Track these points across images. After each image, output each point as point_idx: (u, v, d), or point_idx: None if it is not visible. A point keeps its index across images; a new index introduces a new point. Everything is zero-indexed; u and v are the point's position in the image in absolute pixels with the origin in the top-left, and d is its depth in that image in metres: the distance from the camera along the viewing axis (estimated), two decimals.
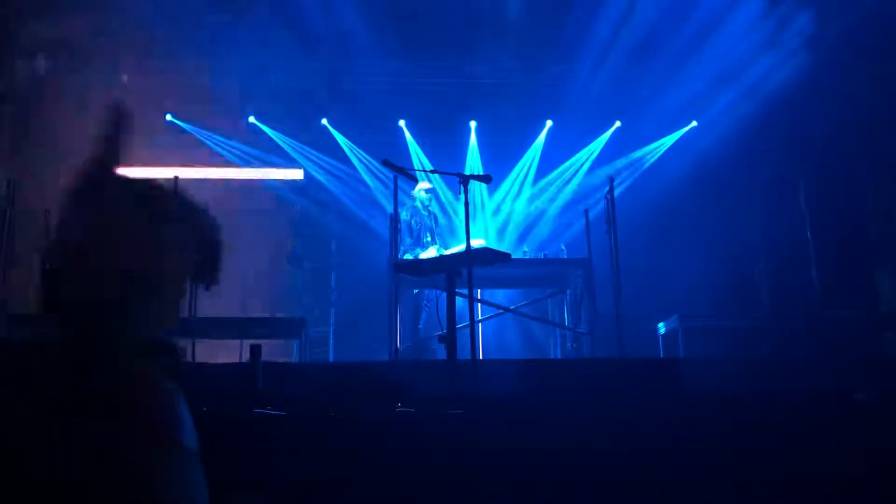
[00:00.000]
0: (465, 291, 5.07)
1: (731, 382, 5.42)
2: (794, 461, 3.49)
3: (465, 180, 4.94)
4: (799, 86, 8.66)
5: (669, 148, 10.40)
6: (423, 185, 8.05)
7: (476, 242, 7.15)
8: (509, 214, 10.59)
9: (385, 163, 5.16)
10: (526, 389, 4.78)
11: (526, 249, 8.52)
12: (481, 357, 8.43)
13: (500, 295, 8.82)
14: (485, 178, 5.34)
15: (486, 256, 5.01)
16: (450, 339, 4.73)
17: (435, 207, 8.30)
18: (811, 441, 3.62)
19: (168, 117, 9.74)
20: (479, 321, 8.01)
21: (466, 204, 4.97)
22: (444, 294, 4.94)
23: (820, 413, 3.88)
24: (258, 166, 10.15)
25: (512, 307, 8.27)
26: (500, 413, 4.15)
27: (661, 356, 7.58)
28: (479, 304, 7.76)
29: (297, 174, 10.26)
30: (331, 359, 9.08)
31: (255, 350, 4.27)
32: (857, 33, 7.98)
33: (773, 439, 3.63)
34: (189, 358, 6.85)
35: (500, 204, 10.66)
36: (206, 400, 4.24)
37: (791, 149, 8.91)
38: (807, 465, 3.46)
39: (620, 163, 10.48)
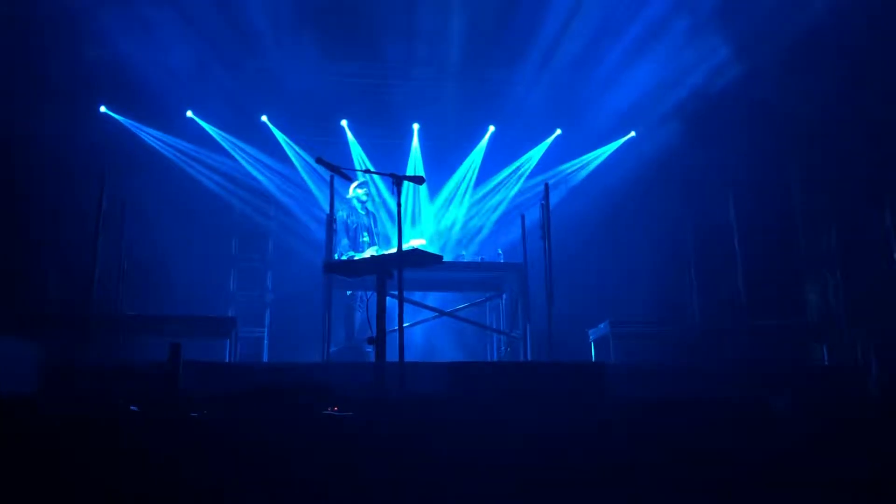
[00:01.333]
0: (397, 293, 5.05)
1: (656, 388, 5.53)
2: (707, 464, 3.57)
3: (398, 181, 4.92)
4: (731, 96, 8.90)
5: (608, 157, 10.58)
6: (355, 184, 8.01)
7: (416, 243, 7.16)
8: (451, 218, 10.61)
9: (319, 161, 5.10)
10: (454, 392, 4.78)
11: (464, 252, 8.55)
12: (415, 360, 8.47)
13: (438, 299, 8.82)
14: (417, 179, 5.34)
15: (417, 258, 5.01)
16: (379, 341, 4.70)
17: (371, 206, 8.26)
18: (723, 445, 3.71)
19: (102, 108, 9.47)
20: (413, 324, 8.00)
21: (399, 204, 4.95)
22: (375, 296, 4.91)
23: (734, 418, 3.98)
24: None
25: (448, 311, 8.28)
26: (425, 415, 4.15)
27: (593, 361, 7.67)
28: (415, 308, 7.76)
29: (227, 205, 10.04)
30: (264, 359, 8.95)
31: (174, 349, 4.16)
32: (786, 46, 8.22)
33: (688, 443, 3.71)
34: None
35: (441, 207, 10.68)
36: (124, 399, 4.14)
37: (721, 160, 9.14)
38: (719, 467, 3.55)
39: (559, 169, 10.60)
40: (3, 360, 4.23)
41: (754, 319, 8.15)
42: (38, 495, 3.20)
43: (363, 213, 7.91)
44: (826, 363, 7.51)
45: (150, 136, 9.74)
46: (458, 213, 10.62)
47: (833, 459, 3.74)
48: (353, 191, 7.89)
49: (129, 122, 9.63)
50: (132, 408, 3.96)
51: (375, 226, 8.17)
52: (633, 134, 10.41)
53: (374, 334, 4.76)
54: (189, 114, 9.84)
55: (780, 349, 7.63)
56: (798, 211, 8.79)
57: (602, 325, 7.54)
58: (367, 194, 8.05)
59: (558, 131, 10.55)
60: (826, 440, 3.93)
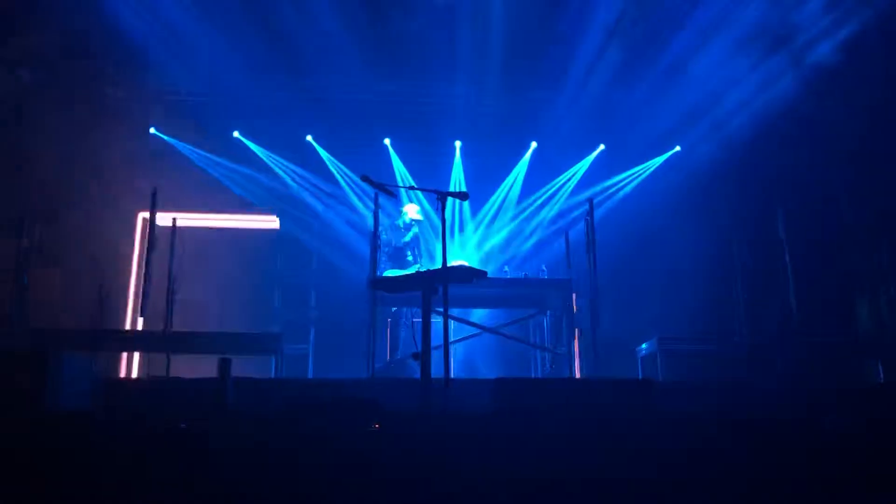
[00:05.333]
0: (442, 309, 5.05)
1: (706, 405, 5.42)
2: (759, 483, 3.48)
3: (442, 197, 4.93)
4: (782, 114, 8.76)
5: (652, 172, 10.48)
6: (412, 209, 8.10)
7: (457, 264, 7.17)
8: (493, 234, 10.60)
9: (364, 178, 5.14)
10: (499, 408, 4.75)
11: (507, 269, 8.52)
12: (462, 376, 8.44)
13: (480, 316, 8.80)
14: (462, 196, 5.35)
15: (462, 273, 4.99)
16: (424, 357, 4.70)
17: (417, 228, 8.33)
18: (776, 464, 3.62)
19: (152, 130, 9.72)
20: (458, 340, 8.00)
21: (443, 220, 4.96)
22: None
23: (786, 437, 3.88)
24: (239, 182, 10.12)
25: (493, 327, 8.25)
26: (471, 431, 4.12)
27: (640, 377, 7.57)
28: (458, 324, 7.75)
29: (272, 223, 10.23)
30: (309, 376, 9.01)
31: (224, 364, 4.21)
32: (838, 65, 8.09)
33: (739, 462, 3.63)
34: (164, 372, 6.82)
35: (483, 224, 10.68)
36: (177, 414, 4.21)
37: (772, 175, 8.99)
38: (771, 487, 3.46)
39: (604, 185, 10.53)
40: (56, 376, 4.33)
41: (806, 336, 7.95)
42: None
43: (407, 233, 8.00)
44: (882, 380, 7.28)
45: (198, 155, 9.95)
46: (500, 230, 10.61)
47: (890, 480, 3.62)
48: (404, 214, 8.02)
49: (178, 142, 9.86)
50: (181, 425, 4.01)
51: (418, 247, 8.24)
52: (678, 148, 10.30)
53: (419, 350, 4.76)
54: (235, 134, 10.04)
55: (833, 366, 7.44)
56: (850, 225, 8.59)
57: (650, 342, 7.44)
58: (414, 225, 8.18)
59: (601, 147, 10.50)
60: (882, 460, 3.81)
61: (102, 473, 3.41)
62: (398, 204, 8.53)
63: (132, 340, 8.19)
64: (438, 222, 9.41)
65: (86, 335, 7.44)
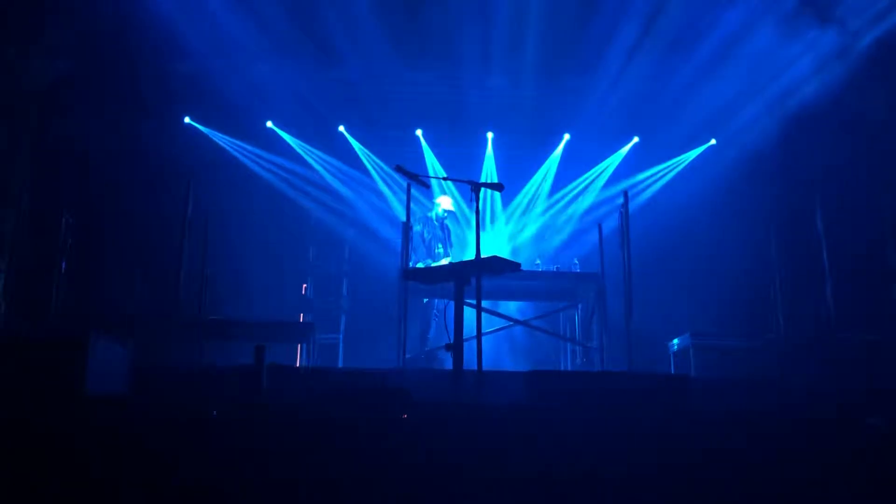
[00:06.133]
0: (474, 301, 5.04)
1: (741, 402, 5.35)
2: (796, 483, 3.43)
3: (476, 188, 4.92)
4: (819, 107, 8.59)
5: (687, 165, 10.34)
6: (445, 201, 8.09)
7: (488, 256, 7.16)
8: (524, 226, 10.56)
9: (398, 168, 5.14)
10: (532, 400, 4.74)
11: (538, 262, 8.48)
12: (490, 368, 8.43)
13: (512, 308, 8.78)
14: (497, 186, 5.33)
15: (496, 265, 4.98)
16: (456, 348, 4.70)
17: (450, 221, 8.33)
18: (815, 463, 3.57)
19: (186, 119, 9.82)
20: (489, 332, 7.99)
21: (477, 211, 4.95)
22: (453, 303, 4.91)
23: (826, 435, 3.82)
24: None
25: (523, 320, 8.22)
26: (503, 423, 4.12)
27: (672, 373, 7.50)
28: (490, 316, 7.74)
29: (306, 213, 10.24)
30: (339, 365, 9.07)
31: (259, 350, 4.26)
32: (879, 58, 7.91)
33: (777, 461, 3.57)
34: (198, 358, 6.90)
35: (515, 216, 10.64)
36: (211, 400, 4.25)
37: (809, 169, 8.84)
38: (809, 488, 3.41)
39: (637, 178, 10.43)
40: (95, 361, 4.40)
41: (843, 333, 7.80)
42: (126, 492, 3.31)
43: (438, 225, 7.98)
44: None
45: (232, 145, 10.04)
46: (532, 223, 10.56)
47: None
48: (437, 206, 8.00)
49: (212, 132, 9.95)
50: (213, 413, 4.05)
51: (449, 238, 8.23)
52: (713, 142, 10.16)
53: (451, 341, 4.76)
54: (269, 124, 10.10)
55: (871, 364, 7.29)
56: (889, 221, 8.41)
57: (683, 337, 7.36)
58: (447, 216, 8.17)
59: (636, 139, 10.39)
60: None
61: (136, 458, 3.46)
62: (431, 195, 8.52)
63: (167, 326, 8.30)
64: (470, 214, 9.48)
65: (123, 320, 7.55)
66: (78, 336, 4.31)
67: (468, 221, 9.89)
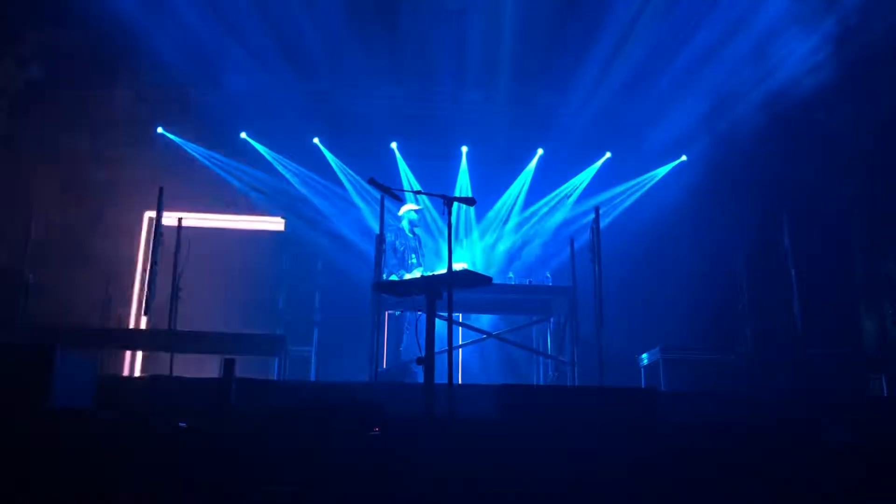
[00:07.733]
0: (446, 314, 5.04)
1: (710, 415, 5.40)
2: (760, 493, 3.47)
3: (448, 202, 4.92)
4: (789, 123, 8.75)
5: (658, 181, 10.47)
6: (410, 206, 8.08)
7: (458, 266, 7.15)
8: (497, 240, 10.59)
9: (371, 181, 5.13)
10: (502, 414, 4.74)
11: (511, 275, 8.50)
12: (461, 382, 8.42)
13: (484, 321, 8.78)
14: (469, 201, 5.33)
15: (467, 279, 4.99)
16: (427, 361, 4.69)
17: (420, 231, 8.31)
18: (777, 475, 3.61)
19: (159, 129, 9.75)
20: (461, 346, 7.99)
21: (449, 225, 4.95)
22: (424, 316, 4.90)
23: (788, 447, 3.87)
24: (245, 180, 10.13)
25: (495, 333, 8.23)
26: (474, 437, 4.11)
27: (643, 386, 7.54)
28: (462, 329, 7.74)
29: (277, 224, 10.22)
30: (312, 378, 9.00)
31: (228, 364, 4.21)
32: (847, 74, 8.07)
33: (741, 471, 3.62)
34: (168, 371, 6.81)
35: (488, 230, 10.68)
36: (179, 414, 4.20)
37: (777, 185, 8.98)
38: (772, 498, 3.45)
39: (610, 193, 10.52)
40: (63, 374, 4.33)
41: (809, 348, 7.91)
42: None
43: (411, 235, 7.96)
44: (885, 394, 7.25)
45: (205, 156, 9.97)
46: (504, 236, 10.60)
47: (891, 495, 3.61)
48: (407, 212, 7.96)
49: (185, 142, 9.89)
50: (181, 424, 4.01)
51: (421, 248, 8.22)
52: (684, 158, 10.30)
53: (423, 354, 4.75)
54: (243, 135, 10.06)
55: (837, 379, 7.40)
56: (855, 238, 8.56)
57: (653, 351, 7.42)
58: (421, 217, 8.14)
59: (608, 154, 10.50)
60: (884, 473, 3.79)
61: (103, 471, 3.41)
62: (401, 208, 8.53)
63: (136, 339, 8.20)
64: (443, 226, 9.49)
65: (90, 333, 7.44)
66: (43, 348, 4.24)
67: (441, 232, 9.90)
